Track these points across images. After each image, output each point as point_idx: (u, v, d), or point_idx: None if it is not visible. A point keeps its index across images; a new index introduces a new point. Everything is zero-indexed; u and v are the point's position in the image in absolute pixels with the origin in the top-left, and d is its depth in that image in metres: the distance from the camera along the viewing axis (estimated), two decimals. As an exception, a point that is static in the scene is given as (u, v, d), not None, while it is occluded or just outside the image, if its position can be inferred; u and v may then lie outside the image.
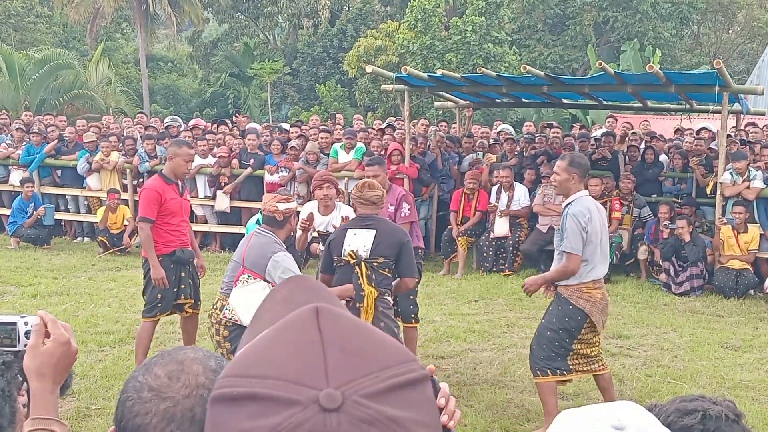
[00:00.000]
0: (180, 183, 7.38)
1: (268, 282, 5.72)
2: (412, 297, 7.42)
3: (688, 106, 13.70)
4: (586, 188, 6.36)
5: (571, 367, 5.99)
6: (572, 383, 7.01)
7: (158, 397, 1.49)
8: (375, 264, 5.87)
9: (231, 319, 5.80)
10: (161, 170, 7.54)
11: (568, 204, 5.98)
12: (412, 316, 7.47)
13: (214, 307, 6.06)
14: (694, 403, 1.70)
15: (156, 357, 1.58)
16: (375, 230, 5.91)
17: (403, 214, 7.61)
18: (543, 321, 6.14)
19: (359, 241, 5.89)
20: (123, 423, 1.50)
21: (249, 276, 5.77)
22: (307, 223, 7.15)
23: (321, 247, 6.97)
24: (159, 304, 7.16)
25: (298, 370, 0.88)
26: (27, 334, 1.88)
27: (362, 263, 5.85)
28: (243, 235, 7.42)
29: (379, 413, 0.87)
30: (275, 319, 0.97)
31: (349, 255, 5.91)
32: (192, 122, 17.12)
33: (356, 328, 0.94)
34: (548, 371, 5.95)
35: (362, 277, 5.85)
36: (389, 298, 6.02)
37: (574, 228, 5.81)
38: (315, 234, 7.36)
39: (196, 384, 1.50)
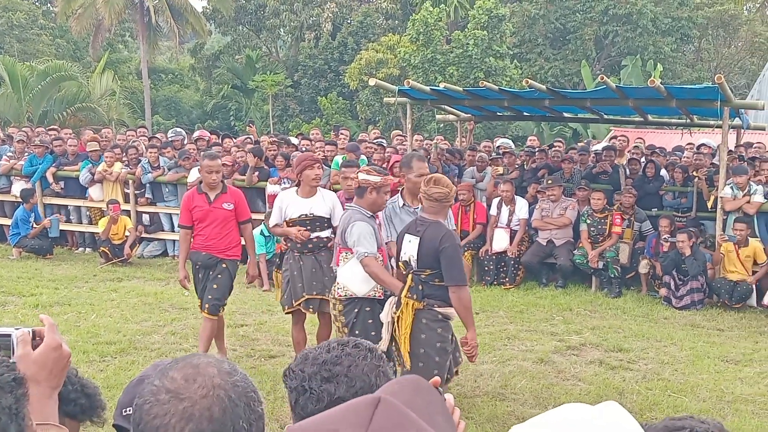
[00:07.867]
0: (211, 193, 7.79)
1: None
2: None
3: (688, 120, 13.74)
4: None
5: None
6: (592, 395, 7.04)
7: (176, 398, 1.53)
8: (423, 276, 5.62)
9: (345, 295, 6.22)
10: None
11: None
12: None
13: (334, 287, 6.43)
14: (682, 421, 1.73)
15: (170, 363, 1.62)
16: (419, 238, 5.59)
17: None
18: None
19: (410, 250, 5.67)
20: (141, 426, 1.53)
21: (347, 253, 6.20)
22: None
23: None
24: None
25: None
26: None
27: (410, 275, 5.69)
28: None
29: None
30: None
31: (402, 265, 5.81)
32: (196, 134, 17.07)
33: (403, 427, 0.95)
34: None
35: (405, 288, 5.71)
36: (440, 310, 5.66)
37: None
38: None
39: (212, 385, 1.55)
